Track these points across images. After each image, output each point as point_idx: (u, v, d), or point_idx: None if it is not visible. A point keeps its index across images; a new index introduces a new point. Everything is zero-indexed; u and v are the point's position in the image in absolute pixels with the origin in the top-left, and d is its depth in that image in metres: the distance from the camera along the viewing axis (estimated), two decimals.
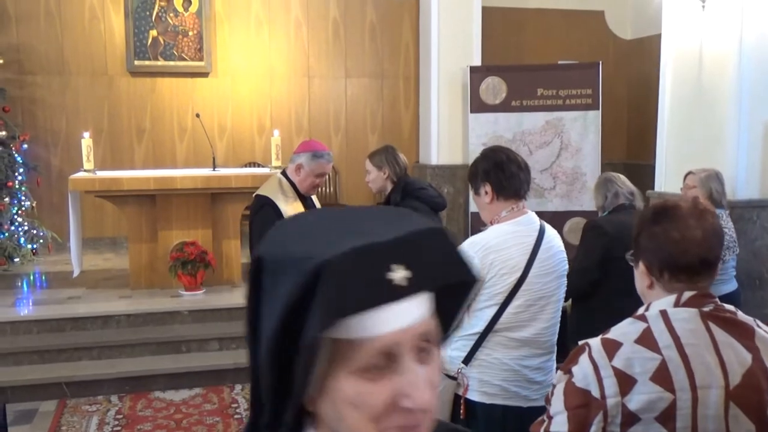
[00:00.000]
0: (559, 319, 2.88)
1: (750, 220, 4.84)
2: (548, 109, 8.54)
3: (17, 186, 7.77)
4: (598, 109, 8.48)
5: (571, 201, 8.63)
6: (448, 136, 8.83)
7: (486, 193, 2.81)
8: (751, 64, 4.84)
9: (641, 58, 9.89)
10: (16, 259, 7.64)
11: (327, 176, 4.03)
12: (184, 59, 8.98)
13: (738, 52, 4.81)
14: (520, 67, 8.95)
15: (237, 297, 6.39)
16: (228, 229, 6.87)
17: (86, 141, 6.64)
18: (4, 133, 7.73)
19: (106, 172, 7.00)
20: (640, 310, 1.79)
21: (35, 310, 6.14)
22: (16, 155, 7.86)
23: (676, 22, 5.35)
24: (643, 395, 1.62)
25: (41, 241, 8.07)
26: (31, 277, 7.41)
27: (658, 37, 9.29)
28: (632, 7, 10.06)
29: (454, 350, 2.79)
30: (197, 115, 7.48)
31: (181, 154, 9.14)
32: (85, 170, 6.63)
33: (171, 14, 8.91)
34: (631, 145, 10.14)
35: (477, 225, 8.64)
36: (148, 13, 8.85)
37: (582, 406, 1.66)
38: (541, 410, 2.88)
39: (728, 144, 4.91)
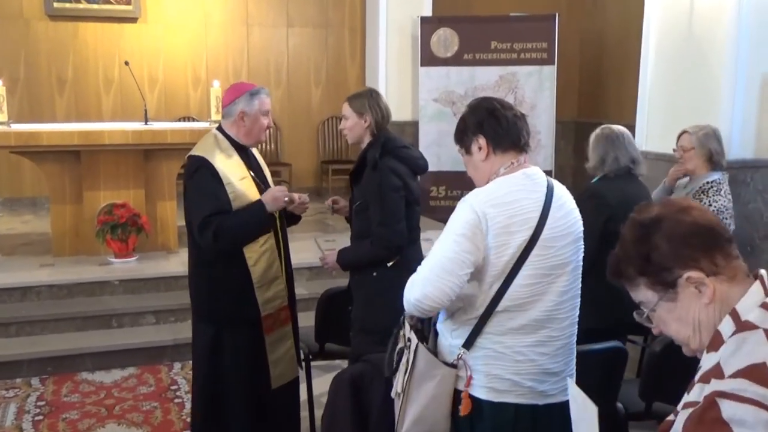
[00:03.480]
0: (579, 291, 2.38)
1: (743, 182, 4.44)
2: (502, 63, 8.16)
3: None
4: (554, 64, 8.10)
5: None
6: (398, 91, 8.32)
7: (480, 148, 2.33)
8: (750, 11, 4.38)
9: (594, 13, 9.50)
10: None
11: (268, 132, 3.46)
12: (110, 2, 8.16)
13: (737, 2, 4.34)
14: (473, 18, 8.45)
15: (174, 264, 5.78)
16: (163, 189, 6.19)
17: None
18: None
19: (22, 125, 6.19)
20: (728, 328, 1.34)
21: None
22: None
23: None
24: None
25: None
26: None
27: None
28: None
29: (455, 338, 2.29)
30: (126, 63, 6.70)
31: (107, 108, 8.34)
32: None
33: None
34: (582, 102, 9.77)
35: (426, 187, 8.20)
36: None
37: None
38: (559, 407, 2.42)
39: (722, 99, 4.46)
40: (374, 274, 3.22)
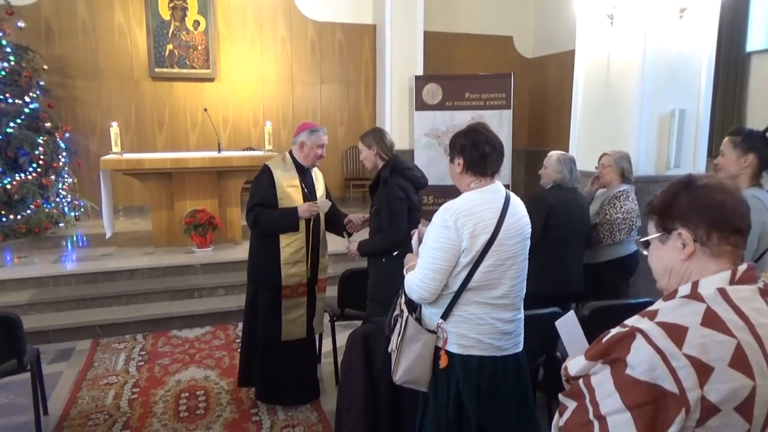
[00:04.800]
0: (525, 276, 2.26)
1: (648, 192, 4.26)
2: (473, 108, 8.00)
3: (61, 166, 6.82)
4: (510, 108, 7.95)
5: None
6: (399, 128, 8.16)
7: (459, 165, 2.21)
8: (651, 70, 4.24)
9: (538, 72, 9.36)
10: (61, 224, 6.73)
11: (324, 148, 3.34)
12: (194, 68, 8.03)
13: (641, 61, 4.20)
14: (452, 76, 8.31)
15: (238, 252, 5.67)
16: (231, 199, 6.08)
17: (114, 129, 5.75)
18: (49, 124, 6.78)
19: (131, 154, 6.12)
20: (685, 290, 1.15)
21: (73, 266, 5.27)
22: (60, 142, 6.89)
23: (588, 36, 4.70)
24: (724, 384, 1.01)
25: (82, 209, 7.15)
26: (74, 238, 6.50)
27: (552, 56, 8.79)
28: (533, 34, 9.50)
29: (435, 308, 2.18)
30: (205, 110, 6.64)
31: (193, 142, 8.22)
32: (113, 153, 5.75)
33: (183, 32, 7.94)
34: (531, 136, 9.62)
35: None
36: (165, 31, 7.87)
37: (650, 402, 1.02)
38: (513, 357, 2.30)
39: (631, 131, 4.32)
40: (383, 260, 3.11)
